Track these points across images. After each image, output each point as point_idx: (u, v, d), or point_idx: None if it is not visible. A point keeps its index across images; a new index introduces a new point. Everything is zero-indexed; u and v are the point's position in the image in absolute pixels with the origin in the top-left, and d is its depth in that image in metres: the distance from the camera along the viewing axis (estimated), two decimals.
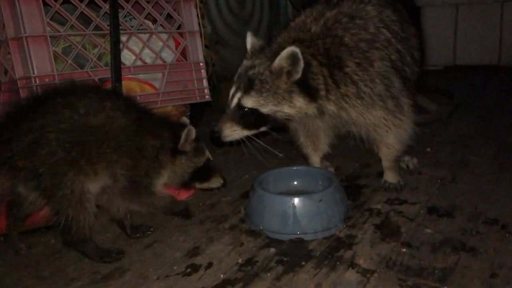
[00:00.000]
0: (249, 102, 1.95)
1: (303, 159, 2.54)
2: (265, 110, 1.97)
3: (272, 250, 1.85)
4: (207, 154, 2.00)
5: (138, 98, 2.25)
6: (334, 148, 2.50)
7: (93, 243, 1.83)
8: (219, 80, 4.06)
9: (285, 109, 1.98)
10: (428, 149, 2.83)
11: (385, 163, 2.35)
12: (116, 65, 2.12)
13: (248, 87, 1.95)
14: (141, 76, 2.32)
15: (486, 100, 3.89)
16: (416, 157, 2.60)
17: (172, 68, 2.41)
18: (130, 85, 2.28)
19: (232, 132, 2.01)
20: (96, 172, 1.73)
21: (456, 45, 5.19)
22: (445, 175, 2.42)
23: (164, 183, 1.95)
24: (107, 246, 1.95)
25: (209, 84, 2.64)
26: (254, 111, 1.97)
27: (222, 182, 2.06)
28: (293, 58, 1.89)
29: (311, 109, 2.02)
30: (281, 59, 1.90)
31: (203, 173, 2.00)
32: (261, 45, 2.10)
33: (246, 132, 2.03)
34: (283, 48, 1.92)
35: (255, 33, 4.49)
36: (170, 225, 2.12)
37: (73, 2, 2.07)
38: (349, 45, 2.02)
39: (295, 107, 1.99)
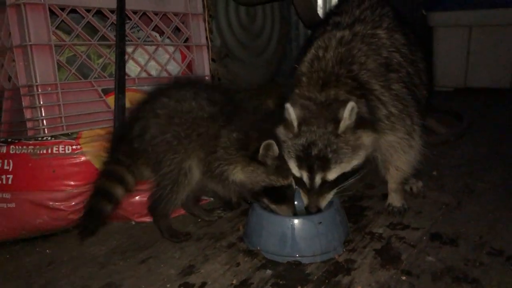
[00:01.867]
0: (334, 175, 1.89)
1: None
2: (349, 168, 1.92)
3: (269, 272, 1.80)
4: (291, 181, 1.94)
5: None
6: None
7: (169, 221, 2.07)
8: None
9: (363, 154, 1.94)
10: (434, 173, 2.77)
11: (392, 185, 2.30)
12: (121, 76, 2.10)
13: (325, 165, 1.86)
14: (146, 88, 2.30)
15: (496, 124, 3.82)
16: (421, 181, 2.55)
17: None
18: (134, 97, 2.25)
19: (327, 200, 1.96)
20: (188, 153, 1.91)
21: (467, 67, 5.13)
22: (450, 201, 2.36)
23: (239, 180, 1.94)
24: (100, 260, 1.93)
25: None
26: (340, 176, 1.91)
27: (290, 213, 1.96)
28: (352, 112, 1.85)
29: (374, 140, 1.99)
30: (345, 121, 1.85)
31: (277, 194, 1.93)
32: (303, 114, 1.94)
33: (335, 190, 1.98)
34: (331, 105, 1.89)
35: (265, 48, 4.53)
36: (166, 240, 2.08)
37: (80, 11, 2.06)
38: (373, 70, 2.02)
39: (367, 148, 1.96)
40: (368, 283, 1.70)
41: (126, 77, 2.19)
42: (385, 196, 2.35)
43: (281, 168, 1.91)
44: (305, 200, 1.94)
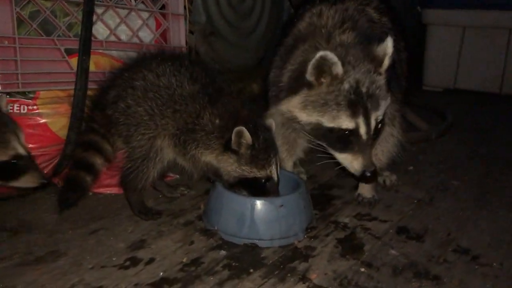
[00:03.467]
0: (381, 114, 1.76)
1: None
2: (383, 112, 1.78)
3: (223, 252, 1.71)
4: (269, 172, 1.77)
5: (106, 75, 2.13)
6: (313, 154, 2.31)
7: (140, 197, 1.96)
8: None
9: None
10: (411, 168, 2.69)
11: None
12: (86, 37, 1.97)
13: (376, 103, 1.73)
14: (113, 53, 2.18)
15: (480, 126, 3.75)
16: (396, 175, 2.47)
17: (149, 49, 2.27)
18: (100, 61, 2.14)
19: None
20: (158, 131, 1.82)
21: (458, 68, 5.04)
22: (422, 196, 2.28)
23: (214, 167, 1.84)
24: (49, 228, 1.83)
25: None
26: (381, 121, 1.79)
27: None
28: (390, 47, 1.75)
29: None
30: (389, 56, 1.75)
31: (255, 187, 1.79)
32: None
33: None
34: (362, 43, 1.79)
35: (253, 30, 4.38)
36: (124, 213, 1.98)
37: None
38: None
39: None
40: (324, 271, 1.61)
41: (93, 39, 2.06)
42: (356, 186, 2.25)
43: (256, 158, 1.74)
44: (357, 163, 1.74)
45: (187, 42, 2.55)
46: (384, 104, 1.77)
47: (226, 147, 1.75)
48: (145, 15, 2.29)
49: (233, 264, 1.64)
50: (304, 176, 2.42)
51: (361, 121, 1.70)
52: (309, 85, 1.74)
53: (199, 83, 1.86)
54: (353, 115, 1.70)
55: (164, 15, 2.36)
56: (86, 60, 1.98)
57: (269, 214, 1.73)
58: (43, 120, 1.98)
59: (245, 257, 1.68)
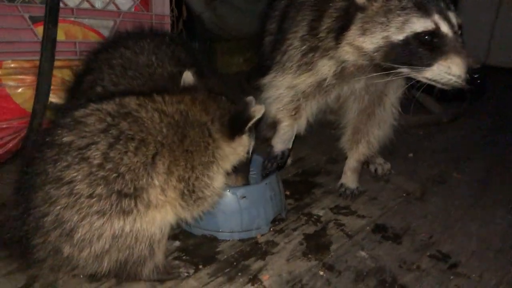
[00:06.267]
0: (459, 18, 1.49)
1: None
2: None
3: (177, 243, 1.61)
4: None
5: (76, 45, 2.01)
6: (305, 137, 2.13)
7: None
8: (214, 40, 3.75)
9: None
10: (411, 155, 2.48)
11: (353, 163, 2.05)
12: (53, 4, 1.84)
13: (447, 4, 1.48)
14: (86, 21, 2.04)
15: (501, 110, 3.43)
16: (391, 163, 2.28)
17: (127, 17, 2.12)
18: (70, 30, 2.01)
19: None
20: None
21: (491, 43, 4.63)
22: (414, 190, 2.09)
23: None
24: None
25: None
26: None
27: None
28: None
29: None
30: None
31: None
32: None
33: None
34: None
35: None
36: None
37: None
38: None
39: None
40: (279, 272, 1.49)
41: (63, 5, 1.93)
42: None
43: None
44: (456, 66, 1.40)
45: (173, 9, 2.38)
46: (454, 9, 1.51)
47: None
48: None
49: (184, 257, 1.54)
50: (289, 161, 2.27)
51: (438, 18, 1.44)
52: (362, 8, 1.52)
53: (181, 63, 1.74)
54: (427, 14, 1.44)
55: None
56: (52, 29, 1.86)
57: (229, 205, 1.60)
58: (6, 92, 1.89)
59: (199, 251, 1.58)
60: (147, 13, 2.22)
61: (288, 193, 2.00)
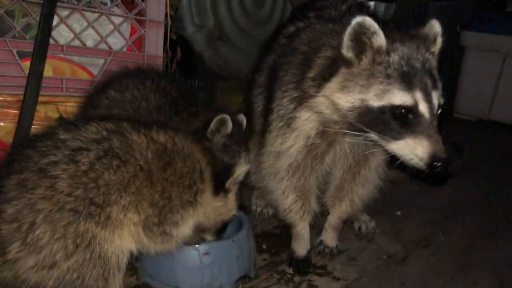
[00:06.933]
0: (441, 99, 1.46)
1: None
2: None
3: None
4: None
5: (63, 81, 2.01)
6: None
7: None
8: (214, 78, 3.77)
9: None
10: (399, 213, 2.41)
11: (334, 221, 1.98)
12: (42, 40, 1.85)
13: (434, 81, 1.44)
14: (75, 59, 2.05)
15: (502, 168, 3.34)
16: (376, 220, 2.21)
17: (118, 56, 2.13)
18: (59, 66, 2.03)
19: None
20: None
21: (495, 98, 4.60)
22: (397, 252, 2.02)
23: None
24: None
25: None
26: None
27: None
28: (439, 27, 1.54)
29: None
30: (440, 36, 1.53)
31: None
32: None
33: None
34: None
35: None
36: None
37: None
38: None
39: None
40: None
41: (53, 42, 1.94)
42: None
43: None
44: (421, 148, 1.37)
45: (166, 50, 2.39)
46: (440, 88, 1.47)
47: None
48: (118, 20, 2.15)
49: None
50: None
51: (420, 96, 1.39)
52: (348, 63, 1.47)
53: (167, 95, 1.77)
54: (409, 88, 1.39)
55: (140, 22, 2.21)
56: (39, 65, 1.86)
57: (190, 260, 1.55)
58: None
59: None
60: (139, 53, 2.22)
61: (264, 246, 1.94)
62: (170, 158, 1.34)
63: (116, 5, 2.14)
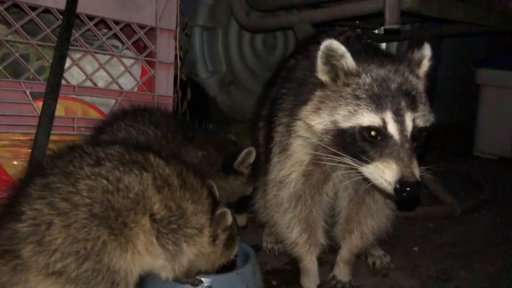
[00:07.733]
0: (421, 121, 1.44)
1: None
2: (428, 124, 1.49)
3: None
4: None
5: (75, 121, 2.07)
6: None
7: None
8: (228, 122, 3.81)
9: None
10: (415, 248, 2.32)
11: (346, 255, 1.92)
12: (55, 81, 1.93)
13: (412, 102, 1.42)
14: (87, 98, 2.12)
15: None
16: (392, 256, 2.13)
17: (129, 96, 2.19)
18: (71, 106, 2.09)
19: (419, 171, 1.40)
20: None
21: None
22: (413, 287, 1.92)
23: None
24: None
25: None
26: (422, 132, 1.47)
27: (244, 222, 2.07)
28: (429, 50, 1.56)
29: None
30: (428, 59, 1.55)
31: (241, 202, 2.00)
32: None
33: None
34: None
35: None
36: None
37: (23, 7, 1.94)
38: None
39: None
40: None
41: (65, 83, 2.02)
42: None
43: (251, 176, 1.93)
44: (389, 171, 1.35)
45: (177, 91, 2.45)
46: (425, 111, 1.46)
47: (227, 170, 1.86)
48: (129, 62, 2.23)
49: None
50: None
51: (389, 116, 1.38)
52: (322, 85, 1.51)
53: (163, 126, 1.89)
54: (377, 109, 1.39)
55: (151, 63, 2.29)
56: (51, 105, 1.93)
57: None
58: (0, 163, 1.93)
59: None
60: (149, 93, 2.28)
61: (275, 283, 1.88)
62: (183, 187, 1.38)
63: (127, 48, 2.23)
